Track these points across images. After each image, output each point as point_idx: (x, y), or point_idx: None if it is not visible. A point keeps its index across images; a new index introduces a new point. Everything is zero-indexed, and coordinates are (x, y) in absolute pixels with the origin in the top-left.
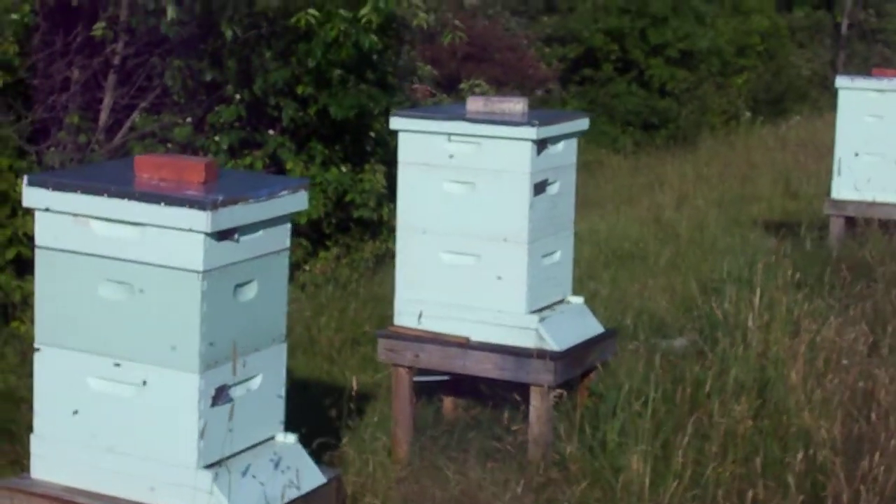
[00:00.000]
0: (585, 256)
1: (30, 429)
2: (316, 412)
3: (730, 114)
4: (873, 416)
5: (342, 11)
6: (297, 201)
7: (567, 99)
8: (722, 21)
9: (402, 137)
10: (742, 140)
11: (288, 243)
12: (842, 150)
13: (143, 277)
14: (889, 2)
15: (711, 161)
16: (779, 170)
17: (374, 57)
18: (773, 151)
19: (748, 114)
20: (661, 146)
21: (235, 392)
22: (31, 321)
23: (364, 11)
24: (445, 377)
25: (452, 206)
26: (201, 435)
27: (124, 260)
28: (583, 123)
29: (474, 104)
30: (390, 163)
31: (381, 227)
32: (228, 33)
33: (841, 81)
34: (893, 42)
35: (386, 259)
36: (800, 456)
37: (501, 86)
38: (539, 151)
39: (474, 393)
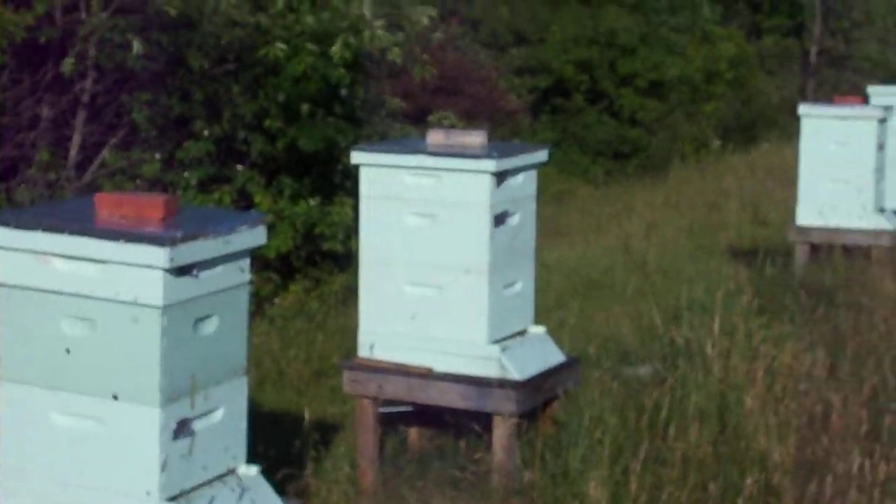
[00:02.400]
0: (554, 286)
1: None
2: (283, 444)
3: (700, 142)
4: (825, 439)
5: (310, 45)
6: (255, 236)
7: (538, 129)
8: (691, 49)
9: (363, 171)
10: (712, 168)
11: (248, 277)
12: (806, 177)
13: (104, 313)
14: (857, 28)
15: (681, 189)
16: (748, 197)
17: (343, 91)
18: (743, 179)
19: (718, 142)
20: (631, 175)
21: (197, 425)
22: None
23: (334, 49)
24: (409, 408)
25: (414, 239)
26: (163, 468)
27: (86, 297)
28: (542, 155)
29: (435, 137)
30: (358, 195)
31: (350, 260)
32: (196, 66)
33: (804, 109)
34: (862, 69)
35: (355, 291)
36: (748, 481)
37: (472, 118)
38: (498, 183)
39: (439, 423)
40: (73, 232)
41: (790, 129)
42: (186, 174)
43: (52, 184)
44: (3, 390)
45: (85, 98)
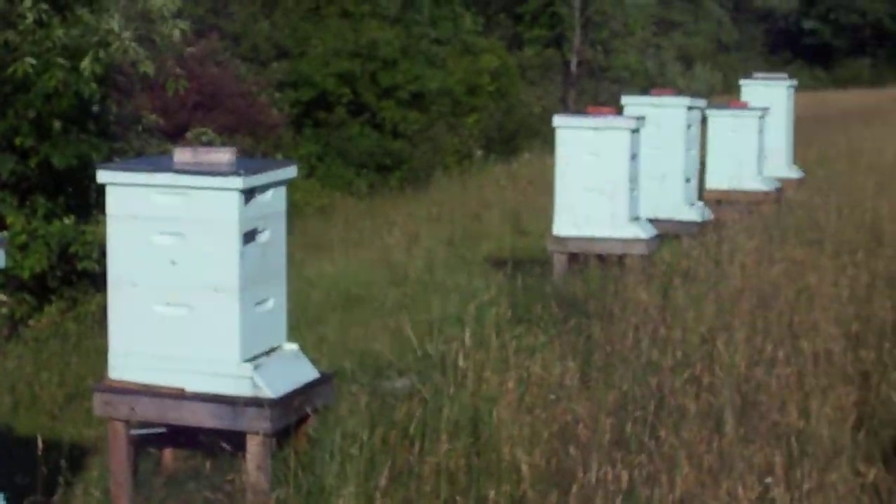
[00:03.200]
0: (314, 301)
1: None
2: (34, 470)
3: (463, 153)
4: (573, 449)
5: (60, 60)
6: None
7: (301, 143)
8: (452, 61)
9: (109, 191)
10: (475, 179)
11: None
12: (562, 188)
13: None
14: (616, 38)
15: (444, 201)
16: (509, 207)
17: (95, 107)
18: (505, 189)
19: (480, 152)
20: (395, 187)
21: None
22: None
23: (84, 64)
24: (163, 429)
25: (162, 258)
26: None
27: None
28: (291, 171)
29: (182, 155)
30: None
31: (106, 279)
32: None
33: (558, 120)
34: (622, 78)
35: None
36: (493, 493)
37: (233, 133)
38: (247, 200)
39: (194, 443)
40: None
41: (551, 140)
42: None
43: None
44: None
45: None
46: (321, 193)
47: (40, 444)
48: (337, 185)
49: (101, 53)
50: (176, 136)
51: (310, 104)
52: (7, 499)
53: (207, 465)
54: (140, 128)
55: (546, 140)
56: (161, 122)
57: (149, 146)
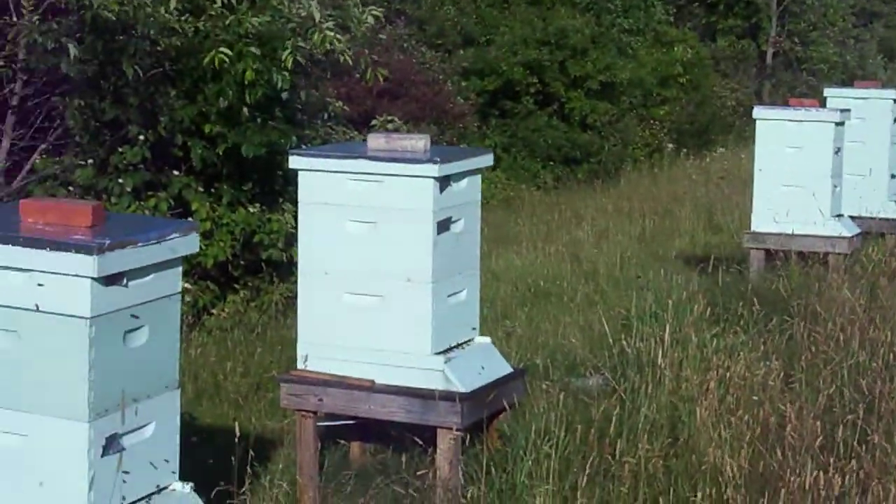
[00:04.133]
0: (501, 294)
1: None
2: (219, 460)
3: (653, 146)
4: (779, 452)
5: (253, 49)
6: (188, 244)
7: (486, 133)
8: (644, 52)
9: (301, 177)
10: (665, 173)
11: (179, 287)
12: (761, 182)
13: (30, 324)
14: (813, 30)
15: (633, 195)
16: (702, 203)
17: (284, 94)
18: (697, 184)
19: (671, 146)
20: (582, 180)
21: (127, 441)
22: None
23: (285, 55)
24: (351, 421)
25: (354, 246)
26: (91, 486)
27: (11, 307)
28: (487, 159)
29: (375, 141)
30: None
31: (290, 269)
32: (130, 72)
33: (759, 112)
34: (819, 71)
35: (295, 301)
36: (699, 496)
37: (418, 121)
38: (442, 189)
39: (381, 436)
40: None
41: (746, 133)
42: (121, 180)
43: None
44: None
45: (13, 101)
46: (506, 185)
47: (238, 432)
48: (522, 178)
49: (301, 43)
50: (361, 124)
51: (496, 93)
52: (195, 488)
53: (397, 459)
54: (326, 115)
55: (740, 134)
56: (346, 110)
57: (334, 134)
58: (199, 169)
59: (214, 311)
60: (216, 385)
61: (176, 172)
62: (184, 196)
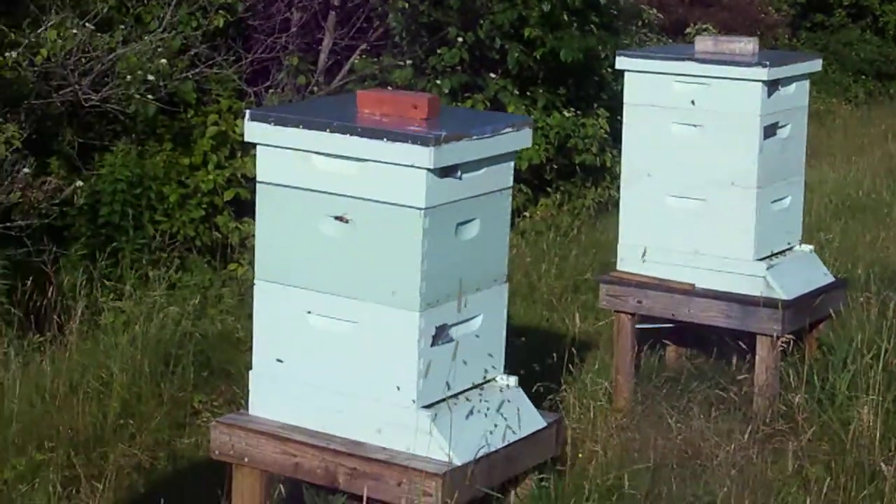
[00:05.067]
0: (814, 207)
1: (247, 368)
2: (534, 358)
3: None
4: None
5: None
6: (520, 139)
7: (797, 46)
8: None
9: (628, 78)
10: None
11: (511, 182)
12: None
13: (363, 214)
14: None
15: None
16: None
17: (602, 0)
18: None
19: None
20: (895, 96)
21: (456, 332)
22: (249, 263)
23: None
24: (668, 325)
25: (679, 149)
26: (421, 375)
27: (345, 196)
28: (815, 65)
29: (703, 44)
30: (614, 108)
31: (603, 174)
32: None
33: None
34: None
35: (608, 206)
36: None
37: (729, 31)
38: (770, 93)
39: (697, 341)
40: (334, 129)
41: None
42: (438, 81)
43: (300, 89)
44: (260, 289)
45: (335, 1)
46: (816, 99)
47: (576, 332)
48: (833, 92)
49: None
50: (673, 32)
51: (808, 5)
52: (518, 382)
53: (714, 364)
54: (640, 22)
55: None
56: (660, 17)
57: (648, 41)
58: (514, 72)
59: (527, 213)
60: (530, 286)
61: (492, 75)
62: (499, 99)
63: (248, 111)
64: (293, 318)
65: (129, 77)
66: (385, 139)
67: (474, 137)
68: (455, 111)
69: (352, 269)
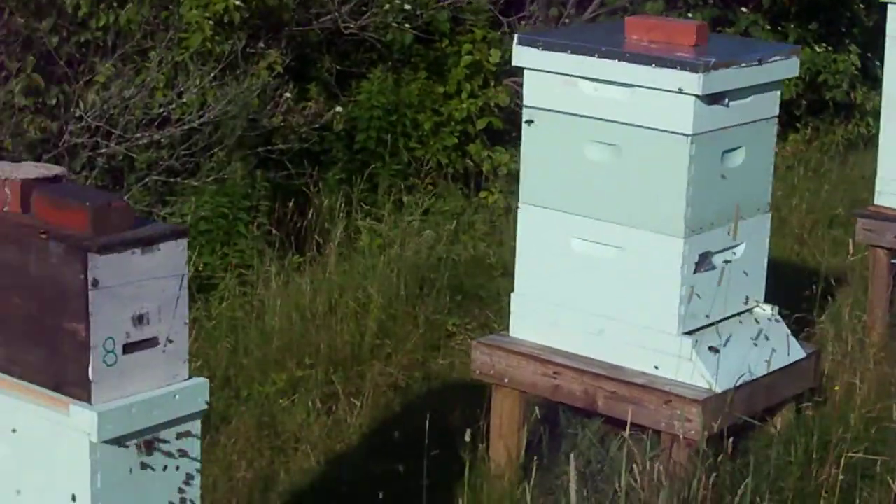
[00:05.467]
0: None
1: (498, 294)
2: (787, 291)
3: None
4: None
5: None
6: (788, 68)
7: None
8: None
9: (891, 9)
10: None
11: (777, 111)
12: None
13: (630, 139)
14: None
15: None
16: None
17: None
18: None
19: None
20: None
21: (719, 259)
22: (500, 191)
23: None
24: None
25: None
26: (682, 301)
27: (611, 121)
28: None
29: None
30: (865, 44)
31: (853, 110)
32: None
33: None
34: None
35: (858, 143)
36: None
37: None
38: None
39: None
40: (602, 55)
41: None
42: (690, 14)
43: (553, 20)
44: (524, 213)
45: None
46: None
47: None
48: None
49: None
50: None
51: None
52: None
53: None
54: None
55: None
56: None
57: None
58: (766, 6)
59: (776, 148)
60: (780, 220)
61: (744, 9)
62: (750, 33)
63: (516, 35)
64: (556, 242)
65: (386, 6)
66: (653, 65)
67: (743, 65)
68: (723, 39)
69: (617, 195)
